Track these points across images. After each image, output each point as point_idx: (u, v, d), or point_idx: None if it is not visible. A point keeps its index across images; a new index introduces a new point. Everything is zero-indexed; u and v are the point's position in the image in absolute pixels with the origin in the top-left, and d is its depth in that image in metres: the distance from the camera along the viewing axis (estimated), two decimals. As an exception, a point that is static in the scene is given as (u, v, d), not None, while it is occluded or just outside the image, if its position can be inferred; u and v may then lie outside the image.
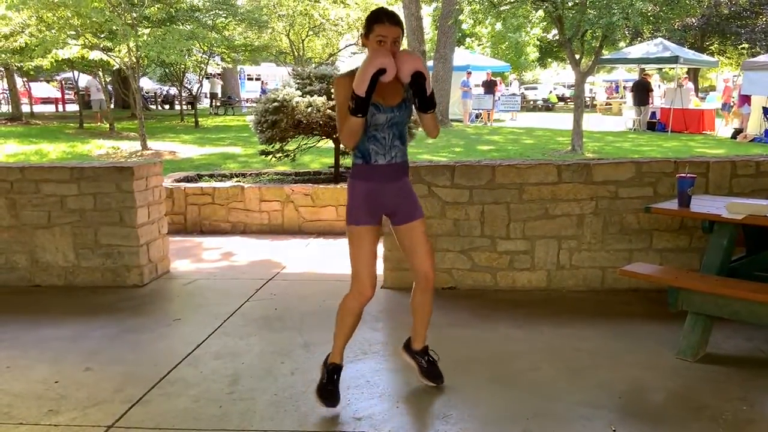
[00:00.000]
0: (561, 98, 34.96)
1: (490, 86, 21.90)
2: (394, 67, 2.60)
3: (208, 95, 30.58)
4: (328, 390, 2.89)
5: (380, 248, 2.93)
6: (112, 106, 19.73)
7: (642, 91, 18.65)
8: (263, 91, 22.16)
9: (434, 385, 3.08)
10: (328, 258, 5.51)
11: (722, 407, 2.86)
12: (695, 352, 3.34)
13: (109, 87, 20.98)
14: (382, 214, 2.85)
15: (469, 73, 21.01)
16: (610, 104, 28.79)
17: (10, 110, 23.62)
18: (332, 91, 6.93)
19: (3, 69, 21.88)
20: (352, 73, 2.67)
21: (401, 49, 2.71)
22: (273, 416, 2.83)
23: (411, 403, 2.98)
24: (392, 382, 3.19)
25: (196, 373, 3.27)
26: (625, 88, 31.79)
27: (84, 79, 23.40)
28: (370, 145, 2.75)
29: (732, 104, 19.00)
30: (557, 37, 14.76)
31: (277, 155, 7.45)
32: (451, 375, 3.19)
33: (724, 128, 18.32)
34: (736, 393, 2.99)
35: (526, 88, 35.85)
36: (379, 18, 2.68)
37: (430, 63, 19.55)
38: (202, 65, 20.65)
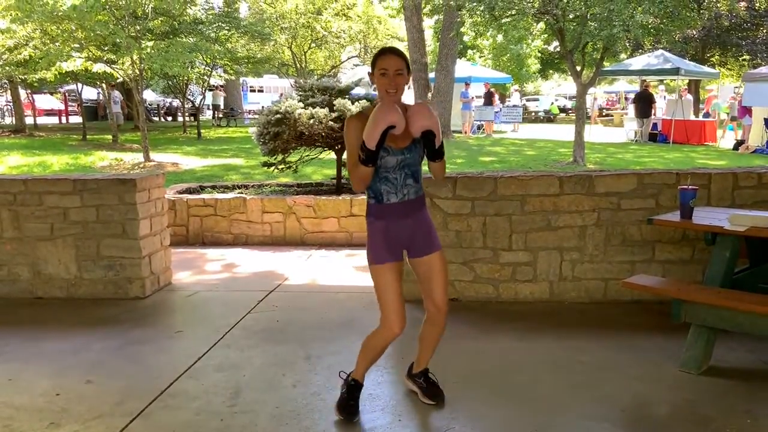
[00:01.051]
0: (563, 110, 35.04)
1: (489, 98, 21.98)
2: (403, 124, 2.65)
3: (211, 107, 30.72)
4: (350, 405, 2.92)
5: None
6: (113, 119, 19.72)
7: (645, 103, 18.68)
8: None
9: (434, 403, 3.06)
10: (330, 270, 5.50)
11: (726, 420, 2.84)
12: (699, 364, 3.32)
13: (106, 98, 21.07)
14: (401, 249, 2.87)
15: (468, 85, 21.06)
16: (611, 115, 28.82)
17: (14, 122, 23.75)
18: (334, 103, 6.96)
19: (7, 81, 21.98)
20: (362, 115, 2.72)
21: (404, 82, 2.74)
22: (275, 429, 2.82)
23: (414, 416, 2.96)
24: (395, 394, 3.18)
25: (197, 385, 3.26)
26: (626, 99, 31.87)
27: (90, 91, 23.46)
28: (382, 185, 2.78)
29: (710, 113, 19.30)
30: (558, 49, 14.83)
31: (280, 167, 7.46)
32: (453, 388, 3.18)
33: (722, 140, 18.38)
34: (741, 406, 2.98)
35: (528, 100, 35.94)
36: (381, 52, 2.77)
37: (431, 75, 19.63)
38: (205, 77, 20.76)
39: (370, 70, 2.78)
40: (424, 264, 2.90)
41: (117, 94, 20.48)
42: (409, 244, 2.87)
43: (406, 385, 3.23)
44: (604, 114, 30.78)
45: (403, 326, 2.79)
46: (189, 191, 7.33)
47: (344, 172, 7.55)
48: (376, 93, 2.81)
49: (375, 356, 2.93)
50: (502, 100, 25.78)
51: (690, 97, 20.96)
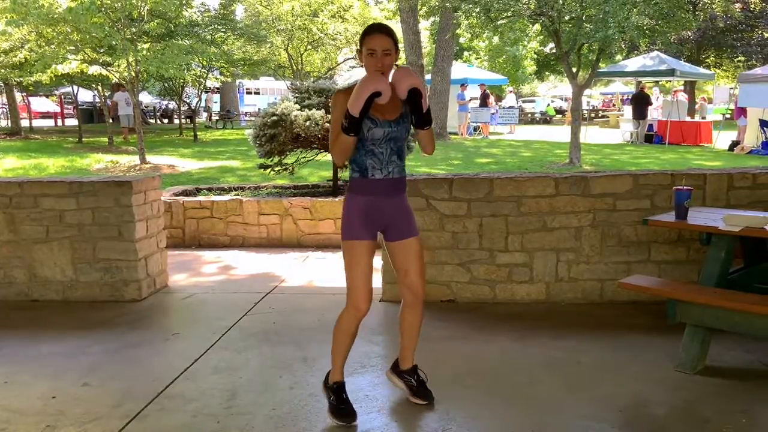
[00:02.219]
0: (559, 111, 35.13)
1: (485, 99, 22.01)
2: (389, 91, 2.63)
3: (205, 109, 30.72)
4: (342, 409, 2.86)
5: (377, 262, 2.92)
6: (111, 120, 19.56)
7: (641, 104, 18.73)
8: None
9: (425, 403, 3.04)
10: (327, 271, 5.50)
11: (723, 420, 2.85)
12: (695, 364, 3.33)
13: (108, 101, 20.86)
14: (378, 229, 2.84)
15: (464, 86, 21.10)
16: (607, 116, 28.90)
17: (9, 125, 23.67)
18: (330, 104, 6.96)
19: (2, 84, 21.91)
20: (349, 89, 2.69)
21: (398, 63, 2.73)
22: (271, 431, 2.81)
23: (410, 417, 2.96)
24: (391, 395, 3.17)
25: (194, 387, 3.26)
26: (623, 101, 31.95)
27: (86, 94, 23.32)
28: (368, 159, 2.75)
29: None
30: (554, 51, 14.86)
31: (276, 169, 7.46)
32: (450, 388, 3.18)
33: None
34: (737, 405, 2.98)
35: (524, 101, 36.02)
36: (368, 31, 2.73)
37: (428, 77, 19.65)
38: (201, 79, 20.73)
39: (358, 47, 2.75)
40: (402, 248, 2.87)
41: (127, 96, 20.03)
42: (388, 225, 2.84)
43: (392, 381, 3.16)
44: (600, 115, 30.85)
45: (369, 305, 2.80)
46: (185, 193, 7.32)
47: (341, 174, 7.55)
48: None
49: (347, 348, 2.89)
50: (498, 101, 25.80)
51: (683, 97, 21.00)
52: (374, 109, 2.68)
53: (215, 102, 29.37)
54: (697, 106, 20.33)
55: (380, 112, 2.72)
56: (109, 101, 20.85)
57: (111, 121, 19.50)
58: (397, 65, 2.74)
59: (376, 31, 2.71)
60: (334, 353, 2.93)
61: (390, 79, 2.70)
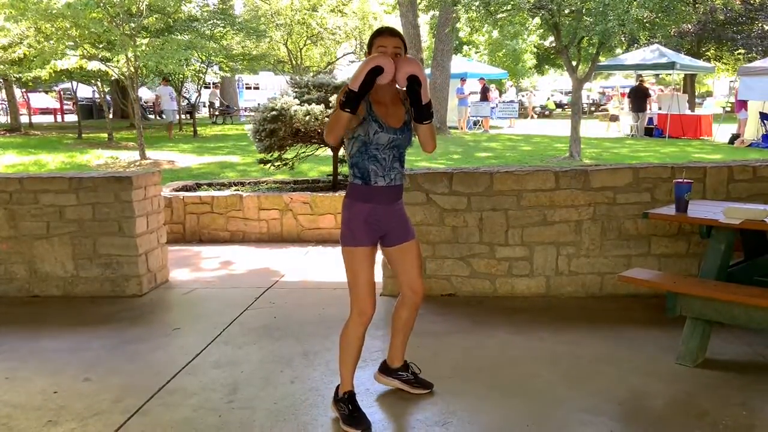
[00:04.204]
0: (559, 105, 35.08)
1: (484, 93, 21.98)
2: (392, 69, 2.59)
3: (207, 104, 30.64)
4: (356, 417, 2.79)
5: (378, 256, 2.92)
6: (111, 116, 19.47)
7: (640, 98, 18.70)
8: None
9: (428, 391, 3.08)
10: (327, 266, 5.51)
11: (722, 413, 2.86)
12: (695, 357, 3.34)
13: (108, 97, 20.79)
14: (378, 236, 2.84)
15: (464, 80, 21.06)
16: (607, 110, 28.87)
17: (9, 121, 23.64)
18: (330, 100, 6.95)
19: (2, 80, 21.87)
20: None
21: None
22: (272, 425, 2.82)
23: (411, 411, 2.97)
24: (391, 390, 3.18)
25: (195, 382, 3.27)
26: (623, 95, 31.90)
27: (85, 89, 23.23)
28: (371, 164, 2.74)
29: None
30: (554, 45, 14.83)
31: (276, 164, 7.46)
32: (451, 382, 3.19)
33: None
34: (736, 398, 2.99)
35: (524, 95, 35.97)
36: (379, 32, 2.75)
37: (427, 71, 19.60)
38: (201, 74, 20.68)
39: (367, 50, 2.76)
40: (402, 252, 2.90)
41: (171, 90, 19.27)
42: (387, 231, 2.85)
43: (385, 383, 3.16)
44: (600, 108, 30.81)
45: (375, 307, 2.79)
46: (185, 189, 7.32)
47: (341, 169, 7.55)
48: None
49: (356, 357, 2.85)
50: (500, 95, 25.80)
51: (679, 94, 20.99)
52: (381, 114, 2.70)
53: (217, 98, 29.30)
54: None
55: (386, 118, 2.73)
56: (109, 97, 20.75)
57: (157, 117, 19.11)
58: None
59: (386, 33, 2.73)
60: (343, 364, 2.86)
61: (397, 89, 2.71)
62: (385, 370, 3.17)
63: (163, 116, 19.60)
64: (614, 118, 21.10)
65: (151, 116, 32.19)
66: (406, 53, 2.74)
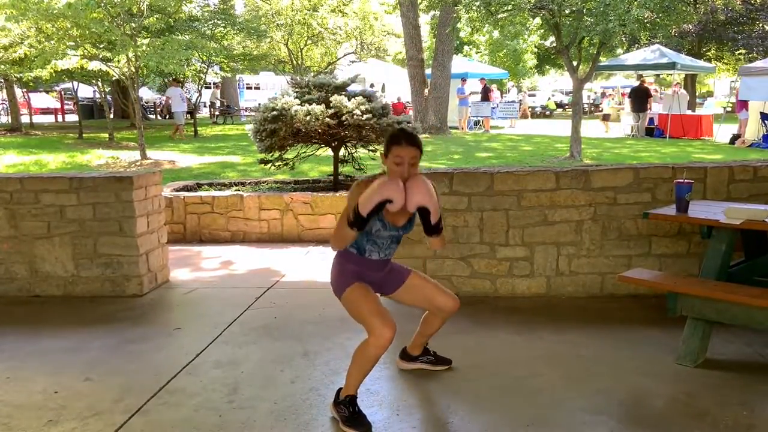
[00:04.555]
0: (559, 105, 35.07)
1: (486, 93, 21.98)
2: (401, 202, 2.59)
3: (208, 104, 30.65)
4: (356, 418, 2.79)
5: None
6: (111, 116, 19.45)
7: (641, 98, 18.69)
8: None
9: (448, 367, 3.33)
10: (328, 266, 5.47)
11: (722, 413, 2.86)
12: (695, 357, 3.34)
13: (108, 97, 20.78)
14: (371, 287, 2.93)
15: (464, 81, 21.06)
16: (601, 109, 28.87)
17: (10, 121, 23.65)
18: (331, 100, 6.94)
19: (2, 80, 21.89)
20: (370, 182, 2.65)
21: (417, 170, 2.71)
22: (273, 425, 2.83)
23: (412, 411, 2.97)
24: (392, 389, 3.19)
25: (195, 382, 3.27)
26: (623, 95, 31.89)
27: (86, 89, 23.25)
28: (368, 245, 2.84)
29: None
30: (555, 45, 14.82)
31: (276, 164, 7.46)
32: (452, 382, 3.19)
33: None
34: (737, 398, 2.99)
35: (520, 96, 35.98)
36: (397, 140, 2.69)
37: (428, 71, 19.61)
38: (201, 75, 20.69)
39: (384, 152, 2.72)
40: (406, 290, 3.01)
41: (181, 91, 19.14)
42: (381, 284, 2.97)
43: (407, 367, 3.32)
44: (600, 109, 30.81)
45: (395, 327, 2.72)
46: (186, 189, 7.32)
47: (341, 168, 7.56)
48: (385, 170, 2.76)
49: (370, 368, 2.84)
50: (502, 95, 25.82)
51: (683, 92, 20.98)
52: (386, 215, 2.75)
53: (217, 99, 29.31)
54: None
55: (391, 218, 2.79)
56: (109, 97, 20.74)
57: (165, 117, 19.04)
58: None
59: (404, 141, 2.68)
60: (354, 375, 2.83)
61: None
62: (406, 356, 3.34)
63: (173, 118, 19.41)
64: (606, 117, 21.17)
65: (152, 116, 32.26)
66: (421, 155, 2.71)
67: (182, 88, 19.56)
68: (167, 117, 19.34)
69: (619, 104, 23.65)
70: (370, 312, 2.75)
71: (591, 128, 19.64)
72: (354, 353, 2.85)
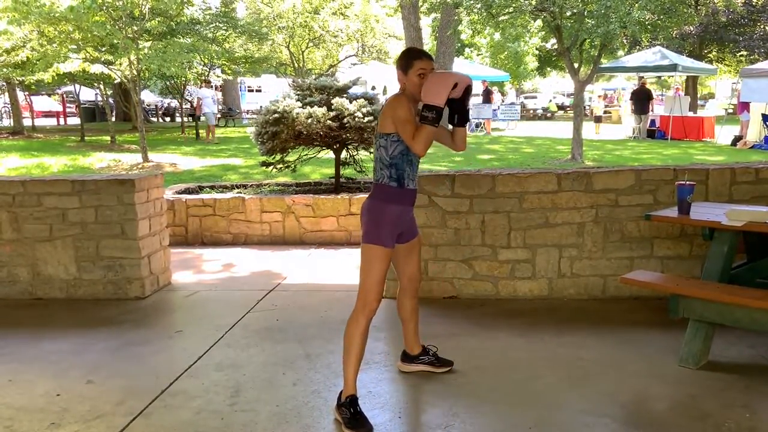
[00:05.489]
0: (560, 107, 35.07)
1: (487, 95, 21.99)
2: (467, 80, 2.82)
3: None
4: (358, 420, 2.79)
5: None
6: (113, 119, 19.47)
7: (642, 99, 18.69)
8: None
9: (450, 368, 3.32)
10: (330, 268, 5.51)
11: (725, 415, 2.85)
12: (697, 359, 3.33)
13: (110, 100, 20.82)
14: (397, 235, 2.99)
15: (465, 82, 21.03)
16: (609, 112, 28.87)
17: (12, 124, 23.71)
18: (332, 102, 6.94)
19: (5, 83, 21.94)
20: (402, 95, 2.87)
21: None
22: (275, 428, 2.83)
23: (413, 413, 2.97)
24: (394, 392, 3.18)
25: (197, 384, 3.27)
26: (622, 97, 31.90)
27: (88, 93, 23.25)
28: (407, 168, 2.91)
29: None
30: (556, 47, 14.83)
31: (278, 166, 7.46)
32: (453, 384, 3.19)
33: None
34: (739, 400, 2.99)
35: (526, 97, 35.97)
36: (418, 55, 2.91)
37: (429, 73, 19.60)
38: (203, 77, 20.72)
39: (403, 69, 2.89)
40: (409, 247, 3.12)
41: (213, 93, 19.39)
42: (404, 230, 3.03)
43: (406, 369, 3.32)
44: (603, 111, 30.80)
45: (378, 304, 2.90)
46: (188, 191, 7.33)
47: (343, 171, 7.56)
48: (399, 89, 2.94)
49: (359, 350, 2.88)
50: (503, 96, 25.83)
51: (682, 94, 21.01)
52: None
53: (217, 101, 29.32)
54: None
55: None
56: (111, 100, 20.78)
57: (195, 119, 19.03)
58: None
59: (425, 56, 2.91)
60: (347, 364, 2.88)
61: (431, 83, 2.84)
62: (406, 358, 3.34)
63: (203, 118, 19.37)
64: (598, 119, 21.23)
65: (154, 119, 32.29)
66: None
67: (214, 89, 19.58)
68: (198, 119, 19.32)
69: (607, 106, 23.65)
70: (377, 279, 2.87)
71: (592, 130, 19.64)
72: (343, 342, 2.92)
